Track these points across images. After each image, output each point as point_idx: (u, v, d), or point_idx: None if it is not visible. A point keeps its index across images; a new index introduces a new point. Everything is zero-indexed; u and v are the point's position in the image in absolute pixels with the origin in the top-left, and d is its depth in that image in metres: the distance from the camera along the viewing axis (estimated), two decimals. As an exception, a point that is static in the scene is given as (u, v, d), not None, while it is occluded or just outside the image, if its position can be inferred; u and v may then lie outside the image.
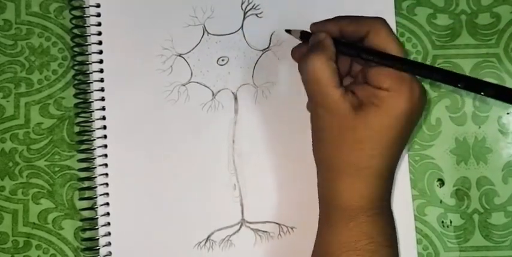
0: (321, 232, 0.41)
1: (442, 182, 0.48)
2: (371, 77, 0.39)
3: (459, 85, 0.37)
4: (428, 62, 0.49)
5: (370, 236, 0.39)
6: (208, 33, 0.49)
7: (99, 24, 0.48)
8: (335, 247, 0.39)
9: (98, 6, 0.48)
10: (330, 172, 0.41)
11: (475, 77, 0.37)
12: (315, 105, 0.41)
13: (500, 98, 0.36)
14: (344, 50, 0.41)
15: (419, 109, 0.40)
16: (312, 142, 0.42)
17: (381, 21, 0.40)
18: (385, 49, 0.39)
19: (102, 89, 0.47)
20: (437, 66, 0.49)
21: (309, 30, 0.44)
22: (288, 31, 0.46)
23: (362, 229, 0.39)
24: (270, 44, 0.49)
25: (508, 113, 0.49)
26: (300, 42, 0.45)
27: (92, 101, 0.47)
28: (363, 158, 0.39)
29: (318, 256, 0.41)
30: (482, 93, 0.36)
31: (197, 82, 0.48)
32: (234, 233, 0.47)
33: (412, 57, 0.49)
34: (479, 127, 0.49)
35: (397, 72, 0.39)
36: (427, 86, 0.49)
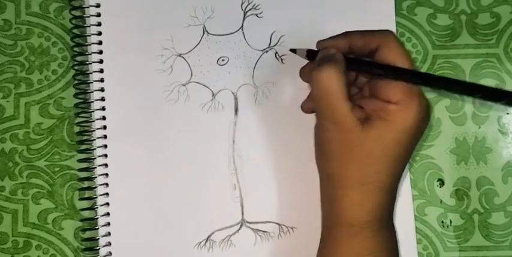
0: (323, 245, 0.41)
1: (442, 182, 0.48)
2: (380, 90, 0.39)
3: (477, 96, 0.36)
4: (428, 62, 0.49)
5: (373, 251, 0.39)
6: (208, 33, 0.49)
7: (99, 24, 0.48)
8: None
9: (98, 6, 0.48)
10: (335, 187, 0.40)
11: (492, 87, 0.36)
12: (322, 117, 0.40)
13: None
14: (354, 66, 0.41)
15: (425, 124, 0.39)
16: (316, 154, 0.42)
17: (392, 35, 0.40)
18: (395, 63, 0.39)
19: (102, 89, 0.47)
20: (437, 66, 0.49)
21: (314, 48, 0.43)
22: (293, 50, 0.45)
23: (366, 244, 0.39)
24: (270, 44, 0.49)
25: (508, 113, 0.49)
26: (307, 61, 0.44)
27: (92, 101, 0.47)
28: (370, 173, 0.39)
29: None
30: (503, 102, 0.35)
31: (197, 82, 0.48)
32: (234, 233, 0.47)
33: (412, 58, 0.49)
34: (479, 127, 0.49)
35: (407, 86, 0.38)
36: (427, 88, 0.49)
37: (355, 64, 0.41)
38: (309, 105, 0.45)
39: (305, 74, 0.45)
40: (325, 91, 0.39)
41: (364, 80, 0.42)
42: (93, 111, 0.47)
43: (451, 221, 0.48)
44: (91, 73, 0.47)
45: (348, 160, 0.39)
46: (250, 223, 0.47)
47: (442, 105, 0.49)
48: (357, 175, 0.39)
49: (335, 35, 0.42)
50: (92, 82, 0.47)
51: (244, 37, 0.49)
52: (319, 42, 0.43)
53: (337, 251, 0.40)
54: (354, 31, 0.41)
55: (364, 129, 0.38)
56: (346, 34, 0.41)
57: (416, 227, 0.48)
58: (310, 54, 0.43)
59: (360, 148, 0.38)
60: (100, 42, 0.48)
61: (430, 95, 0.49)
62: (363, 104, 0.40)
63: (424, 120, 0.39)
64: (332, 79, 0.38)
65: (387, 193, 0.40)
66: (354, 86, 0.43)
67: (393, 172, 0.39)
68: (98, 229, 0.46)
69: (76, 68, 0.48)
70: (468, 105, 0.49)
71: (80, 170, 0.48)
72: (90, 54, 0.47)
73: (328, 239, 0.41)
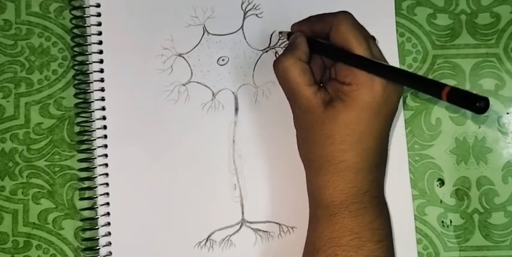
0: (309, 228, 0.42)
1: (442, 182, 0.48)
2: (337, 72, 0.41)
3: (408, 84, 0.37)
4: (428, 62, 0.49)
5: (354, 231, 0.39)
6: (208, 33, 0.49)
7: (99, 24, 0.48)
8: (321, 243, 0.40)
9: (98, 6, 0.48)
10: (311, 169, 0.42)
11: (422, 77, 0.37)
12: (291, 104, 0.43)
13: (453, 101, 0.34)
14: (316, 49, 0.43)
15: (385, 101, 0.40)
16: (296, 141, 0.43)
17: (343, 16, 0.41)
18: (346, 45, 0.40)
19: (102, 89, 0.47)
20: (437, 66, 0.49)
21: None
22: (280, 32, 0.47)
23: (345, 224, 0.39)
24: (270, 44, 0.49)
25: (507, 113, 0.49)
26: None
27: (92, 101, 0.47)
28: (334, 153, 0.40)
29: (307, 252, 0.41)
30: (431, 94, 0.35)
31: (197, 82, 0.48)
32: (234, 233, 0.47)
33: (412, 57, 0.49)
34: (479, 127, 0.49)
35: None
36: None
37: (315, 47, 0.43)
38: None
39: None
40: (285, 80, 0.41)
41: (330, 63, 0.44)
42: (93, 111, 0.47)
43: (451, 221, 0.48)
44: (91, 73, 0.47)
45: (314, 142, 0.41)
46: (250, 222, 0.47)
47: (442, 105, 0.49)
48: (323, 155, 0.40)
49: (301, 20, 0.44)
50: (92, 82, 0.47)
51: (244, 37, 0.49)
52: (292, 25, 0.45)
53: (318, 232, 0.40)
54: (314, 15, 0.43)
55: (326, 110, 0.40)
56: (309, 19, 0.44)
57: (416, 227, 0.48)
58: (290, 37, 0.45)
59: (321, 129, 0.40)
60: (100, 42, 0.48)
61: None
62: (327, 87, 0.42)
63: (381, 97, 0.39)
64: (289, 68, 0.41)
65: (361, 173, 0.40)
66: (324, 67, 0.44)
67: (360, 150, 0.40)
68: (98, 228, 0.46)
69: (76, 68, 0.48)
70: (468, 105, 0.49)
71: (80, 170, 0.48)
72: (90, 54, 0.47)
73: (311, 221, 0.42)
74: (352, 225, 0.39)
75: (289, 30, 0.46)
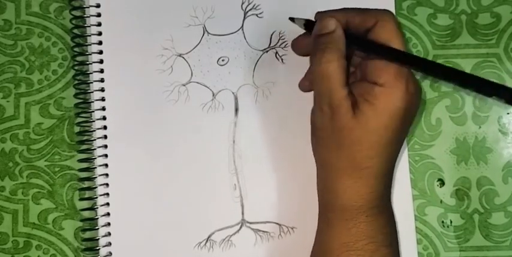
0: (320, 232, 0.41)
1: (442, 182, 0.48)
2: (370, 71, 0.39)
3: (467, 86, 0.36)
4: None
5: (370, 236, 0.39)
6: (208, 33, 0.48)
7: (99, 24, 0.48)
8: (335, 246, 0.39)
9: (98, 6, 0.48)
10: (329, 173, 0.40)
11: (488, 80, 0.35)
12: (320, 101, 0.40)
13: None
14: (351, 42, 0.40)
15: (414, 107, 0.39)
16: (311, 140, 0.42)
17: (389, 14, 0.40)
18: (389, 43, 0.38)
19: (102, 89, 0.47)
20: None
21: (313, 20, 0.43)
22: (292, 19, 0.44)
23: (361, 229, 0.39)
24: (270, 44, 0.49)
25: (508, 113, 0.49)
26: (302, 32, 0.44)
27: (92, 101, 0.47)
28: (361, 159, 0.39)
29: (317, 255, 0.41)
30: (494, 97, 0.34)
31: (197, 82, 0.48)
32: (234, 234, 0.47)
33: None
34: (480, 127, 0.49)
35: (395, 67, 0.38)
36: (427, 86, 0.49)
37: (352, 40, 0.40)
38: (307, 83, 0.45)
39: (298, 46, 0.44)
40: (325, 76, 0.39)
41: (357, 61, 0.42)
42: (93, 112, 0.47)
43: (451, 221, 0.48)
44: (91, 73, 0.47)
45: (340, 146, 0.39)
46: (250, 223, 0.47)
47: (442, 105, 0.49)
48: (348, 161, 0.39)
49: (333, 9, 0.41)
50: (92, 82, 0.47)
51: (245, 37, 0.49)
52: (318, 13, 0.42)
53: (332, 236, 0.40)
54: (352, 8, 0.41)
55: (355, 115, 0.38)
56: (344, 10, 0.41)
57: (416, 227, 0.48)
58: (308, 25, 0.42)
59: (350, 134, 0.38)
60: (100, 43, 0.48)
61: (430, 95, 0.49)
62: (353, 87, 0.39)
63: (412, 103, 0.39)
64: (333, 65, 0.38)
65: (381, 178, 0.40)
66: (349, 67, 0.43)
67: (385, 157, 0.39)
68: (98, 229, 0.46)
69: (76, 68, 0.48)
70: (468, 105, 0.49)
71: (80, 170, 0.48)
72: (90, 54, 0.47)
73: (323, 224, 0.41)
74: (368, 229, 0.39)
75: (296, 22, 0.44)
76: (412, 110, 0.39)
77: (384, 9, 0.40)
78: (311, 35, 0.41)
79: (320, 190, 0.42)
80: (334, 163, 0.40)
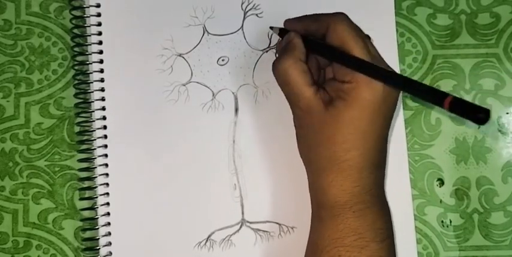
0: (312, 229, 0.42)
1: (441, 181, 0.48)
2: (335, 71, 0.41)
3: (410, 92, 0.38)
4: (428, 62, 0.49)
5: (358, 232, 0.39)
6: (208, 33, 0.49)
7: (99, 24, 0.48)
8: (324, 243, 0.40)
9: (98, 6, 0.48)
10: (313, 170, 0.42)
11: (425, 85, 0.37)
12: (291, 105, 0.42)
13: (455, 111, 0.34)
14: (312, 49, 0.42)
15: (384, 99, 0.40)
16: (297, 142, 0.43)
17: (340, 17, 0.41)
18: (344, 45, 0.40)
19: (102, 89, 0.47)
20: (437, 66, 0.49)
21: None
22: (271, 28, 0.47)
23: (349, 224, 0.39)
24: (270, 44, 0.49)
25: (507, 113, 0.49)
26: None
27: (92, 101, 0.47)
28: (338, 152, 0.40)
29: (310, 253, 0.41)
30: (432, 102, 0.36)
31: (197, 82, 0.48)
32: (234, 233, 0.47)
33: (412, 57, 0.49)
34: (479, 127, 0.49)
35: None
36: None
37: (312, 47, 0.42)
38: None
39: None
40: (285, 81, 0.41)
41: (327, 62, 0.44)
42: (93, 111, 0.47)
43: (450, 221, 0.48)
44: (91, 73, 0.47)
45: (317, 142, 0.40)
46: (250, 222, 0.47)
47: (441, 105, 0.49)
48: (327, 155, 0.40)
49: (297, 17, 0.44)
50: (92, 82, 0.47)
51: (245, 37, 0.49)
52: (285, 21, 0.45)
53: (322, 233, 0.40)
54: (308, 15, 0.43)
55: (327, 110, 0.40)
56: (303, 18, 0.44)
57: (416, 227, 0.48)
58: (283, 33, 0.45)
59: (325, 129, 0.40)
60: (100, 42, 0.48)
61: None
62: (326, 86, 0.41)
63: (382, 95, 0.39)
64: (289, 69, 0.41)
65: (364, 172, 0.40)
66: (319, 67, 0.44)
67: (363, 149, 0.40)
68: (98, 228, 0.46)
69: (76, 68, 0.48)
70: (468, 105, 0.49)
71: (80, 170, 0.48)
72: (91, 54, 0.47)
73: (314, 221, 0.42)
74: (355, 225, 0.39)
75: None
76: (384, 102, 0.40)
77: (337, 13, 0.42)
78: None
79: (310, 189, 0.43)
80: (316, 160, 0.41)
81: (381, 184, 0.42)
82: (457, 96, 0.34)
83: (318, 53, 0.43)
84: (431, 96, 0.36)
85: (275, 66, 0.42)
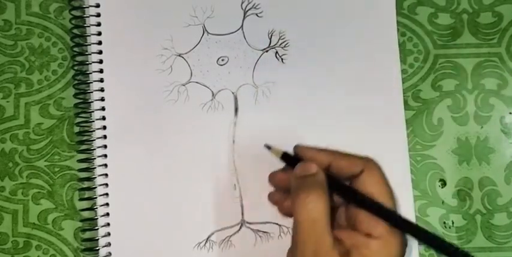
0: None
1: (444, 182, 0.48)
2: (361, 221, 0.36)
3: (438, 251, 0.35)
4: (429, 62, 0.49)
5: None
6: (208, 33, 0.48)
7: (99, 24, 0.48)
8: None
9: (98, 6, 0.48)
10: None
11: (458, 247, 0.35)
12: (304, 250, 0.36)
13: None
14: (334, 188, 0.38)
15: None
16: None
17: (375, 162, 0.38)
18: (375, 193, 0.36)
19: (102, 89, 0.47)
20: (438, 66, 0.49)
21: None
22: (268, 147, 0.41)
23: None
24: (270, 43, 0.48)
25: (510, 113, 0.48)
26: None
27: (92, 101, 0.47)
28: None
29: None
30: None
31: (197, 82, 0.48)
32: (234, 234, 0.47)
33: (413, 57, 0.49)
34: (482, 127, 0.48)
35: None
36: (428, 85, 0.48)
37: (336, 187, 0.38)
38: (288, 205, 0.40)
39: (276, 181, 0.41)
40: (311, 221, 0.36)
41: (339, 201, 0.39)
42: (93, 112, 0.47)
43: (453, 222, 0.48)
44: (91, 73, 0.47)
45: None
46: (250, 223, 0.47)
47: (444, 105, 0.48)
48: None
49: (315, 146, 0.39)
50: (91, 82, 0.47)
51: (244, 37, 0.48)
52: (297, 148, 0.39)
53: None
54: (335, 150, 0.38)
55: None
56: (329, 151, 0.39)
57: (417, 228, 0.47)
58: (286, 158, 0.40)
59: None
60: (100, 43, 0.48)
61: (432, 94, 0.48)
62: (342, 236, 0.36)
63: (404, 253, 0.36)
64: (319, 210, 0.36)
65: None
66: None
67: None
68: (97, 229, 0.46)
69: (76, 68, 0.48)
70: (470, 105, 0.48)
71: (80, 170, 0.48)
72: (90, 54, 0.47)
73: None
74: None
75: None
76: None
77: (369, 157, 0.38)
78: (292, 172, 0.39)
79: None
80: None
81: None
82: None
83: (342, 195, 0.38)
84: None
85: (305, 202, 0.36)
